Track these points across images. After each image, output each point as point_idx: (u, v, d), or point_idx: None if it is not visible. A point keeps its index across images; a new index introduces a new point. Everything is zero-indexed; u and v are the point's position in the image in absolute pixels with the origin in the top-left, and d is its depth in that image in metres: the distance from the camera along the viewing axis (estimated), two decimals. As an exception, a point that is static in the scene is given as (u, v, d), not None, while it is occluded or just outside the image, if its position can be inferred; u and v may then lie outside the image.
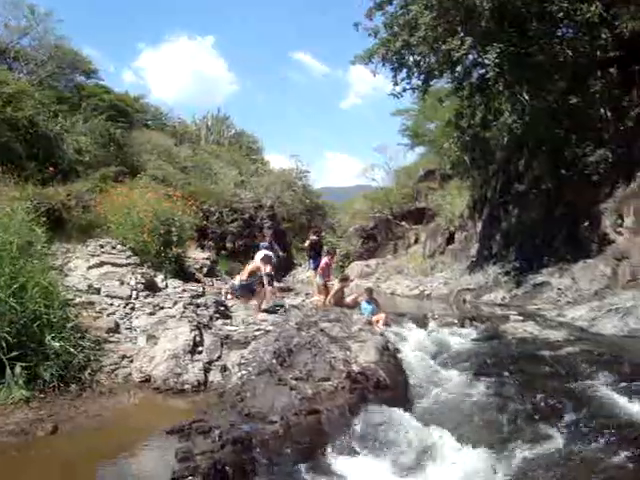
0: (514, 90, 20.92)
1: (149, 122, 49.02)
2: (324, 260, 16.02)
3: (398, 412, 7.52)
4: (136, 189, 18.77)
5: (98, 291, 12.49)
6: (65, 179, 21.02)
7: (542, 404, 7.62)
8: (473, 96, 21.50)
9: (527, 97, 21.11)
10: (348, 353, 9.08)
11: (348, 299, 14.66)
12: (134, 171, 26.52)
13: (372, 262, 37.63)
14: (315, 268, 16.78)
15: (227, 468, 5.53)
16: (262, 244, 17.83)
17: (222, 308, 13.40)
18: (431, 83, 22.46)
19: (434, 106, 32.05)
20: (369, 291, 14.36)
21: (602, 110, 19.89)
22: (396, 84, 21.61)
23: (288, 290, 19.80)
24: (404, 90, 21.80)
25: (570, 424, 6.91)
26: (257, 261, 14.68)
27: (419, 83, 21.99)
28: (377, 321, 12.59)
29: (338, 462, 6.32)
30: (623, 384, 8.28)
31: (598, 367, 9.08)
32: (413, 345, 11.82)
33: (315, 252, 17.72)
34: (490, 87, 20.44)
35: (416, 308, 20.97)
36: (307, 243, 18.51)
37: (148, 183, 22.78)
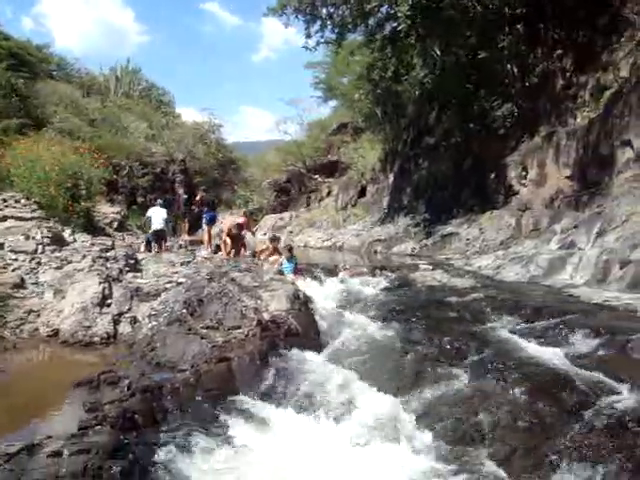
0: (425, 44, 21.12)
1: (54, 73, 46.89)
2: (240, 220, 16.33)
3: (308, 356, 7.64)
4: (41, 142, 18.03)
5: (1, 246, 12.02)
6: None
7: (448, 347, 7.84)
8: (385, 48, 21.54)
9: (438, 52, 21.36)
10: (259, 302, 9.10)
11: (270, 259, 14.69)
12: (39, 124, 25.42)
13: (285, 215, 37.68)
14: (209, 222, 17.20)
15: (136, 416, 5.47)
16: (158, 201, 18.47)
17: (132, 261, 13.19)
18: (345, 36, 22.37)
19: (346, 59, 31.93)
20: (289, 248, 14.35)
21: (509, 66, 20.31)
22: (309, 37, 21.47)
23: (200, 242, 19.59)
24: (318, 44, 21.67)
25: (473, 364, 7.15)
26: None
27: (332, 37, 21.88)
28: (295, 278, 12.56)
29: (249, 406, 6.36)
30: (523, 326, 8.63)
31: (501, 311, 9.41)
32: (324, 294, 11.94)
33: (208, 207, 17.98)
34: (402, 40, 20.53)
35: (328, 259, 21.16)
36: (198, 197, 18.53)
37: (54, 136, 21.89)
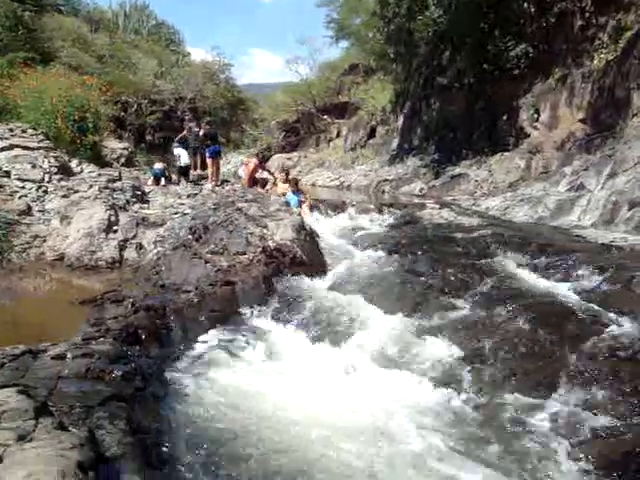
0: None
1: (61, 7, 46.04)
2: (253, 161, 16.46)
3: (314, 283, 7.68)
4: (49, 76, 17.84)
5: (8, 174, 11.99)
6: (-35, 62, 19.70)
7: (452, 278, 7.85)
8: (399, -17, 21.10)
9: (453, -10, 20.89)
10: (265, 231, 9.10)
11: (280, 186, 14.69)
12: (46, 58, 25.03)
13: (294, 155, 37.46)
14: (212, 156, 17.25)
15: (139, 331, 5.53)
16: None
17: (139, 193, 13.17)
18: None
19: (358, -1, 31.38)
20: (294, 182, 14.29)
21: (526, 5, 19.83)
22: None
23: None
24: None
25: (477, 295, 7.17)
26: None
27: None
28: (302, 212, 12.56)
29: (253, 327, 6.43)
30: (529, 261, 8.62)
31: (507, 247, 9.38)
32: (330, 228, 11.96)
33: (212, 140, 17.97)
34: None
35: (336, 197, 21.11)
36: (202, 132, 18.44)
37: (62, 71, 21.60)
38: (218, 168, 18.01)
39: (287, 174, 13.90)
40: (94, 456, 2.67)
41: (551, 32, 18.81)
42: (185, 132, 19.33)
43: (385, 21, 23.46)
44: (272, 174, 15.93)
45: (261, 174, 16.95)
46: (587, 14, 17.87)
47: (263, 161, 15.95)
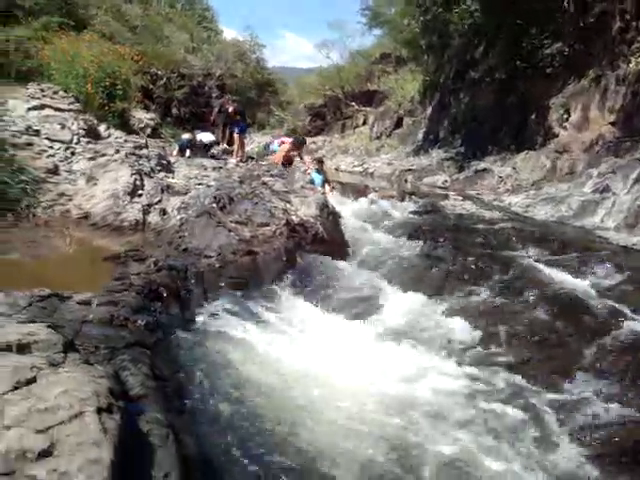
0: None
1: (96, -25, 46.01)
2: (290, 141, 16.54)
3: (334, 260, 7.74)
4: (82, 41, 17.94)
5: (37, 133, 12.09)
6: (1, 24, 19.81)
7: (472, 266, 7.89)
8: (439, -28, 20.98)
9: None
10: (289, 205, 9.15)
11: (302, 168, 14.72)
12: (80, 25, 25.08)
13: (319, 139, 37.42)
14: (241, 132, 17.39)
15: (161, 289, 5.59)
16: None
17: (164, 162, 13.26)
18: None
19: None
20: (319, 161, 14.32)
21: (565, 3, 19.65)
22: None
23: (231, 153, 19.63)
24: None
25: (495, 284, 7.23)
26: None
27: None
28: (325, 191, 12.60)
29: (274, 297, 6.49)
30: (548, 257, 8.64)
31: (527, 242, 9.41)
32: (352, 211, 12.00)
33: (240, 117, 18.12)
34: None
35: (359, 182, 21.11)
36: (231, 109, 18.54)
37: (94, 38, 21.68)
38: (243, 145, 18.12)
39: (320, 163, 13.90)
40: (121, 388, 2.76)
41: (589, 32, 18.62)
42: (215, 111, 19.45)
43: (422, 10, 23.31)
44: (302, 159, 15.93)
45: (293, 156, 16.97)
46: (627, 16, 17.68)
47: (299, 145, 15.93)
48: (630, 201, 11.60)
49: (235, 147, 17.90)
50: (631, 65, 15.99)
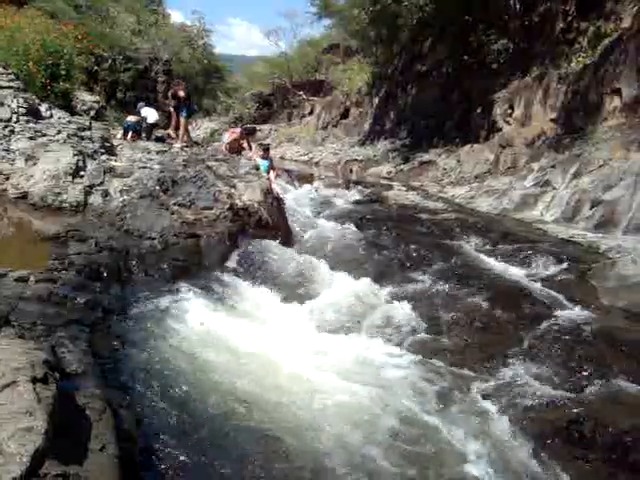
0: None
1: (39, -47, 44.71)
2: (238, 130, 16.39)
3: (278, 245, 7.72)
4: (23, 17, 17.35)
5: (-29, 109, 11.71)
6: None
7: (414, 254, 7.98)
8: (389, -37, 21.04)
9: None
10: (233, 190, 9.07)
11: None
12: (20, 1, 24.34)
13: (266, 127, 37.24)
14: (187, 116, 17.26)
15: (102, 269, 5.50)
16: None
17: (108, 145, 12.96)
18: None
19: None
20: (265, 148, 14.23)
21: (512, 1, 19.96)
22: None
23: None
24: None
25: (437, 271, 7.33)
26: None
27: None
28: (270, 178, 12.51)
29: (215, 279, 6.44)
30: (490, 247, 8.81)
31: (470, 232, 9.56)
32: (297, 198, 11.98)
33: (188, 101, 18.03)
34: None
35: (304, 170, 21.08)
36: (183, 94, 18.32)
37: (36, 14, 21.02)
38: (188, 129, 17.91)
39: (266, 150, 13.83)
40: (57, 362, 2.69)
41: (533, 31, 18.98)
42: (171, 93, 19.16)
43: (371, 1, 23.35)
44: (251, 148, 15.81)
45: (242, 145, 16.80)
46: (569, 18, 18.06)
47: (248, 134, 15.83)
48: (568, 195, 11.88)
49: (180, 131, 17.66)
50: (572, 64, 16.38)
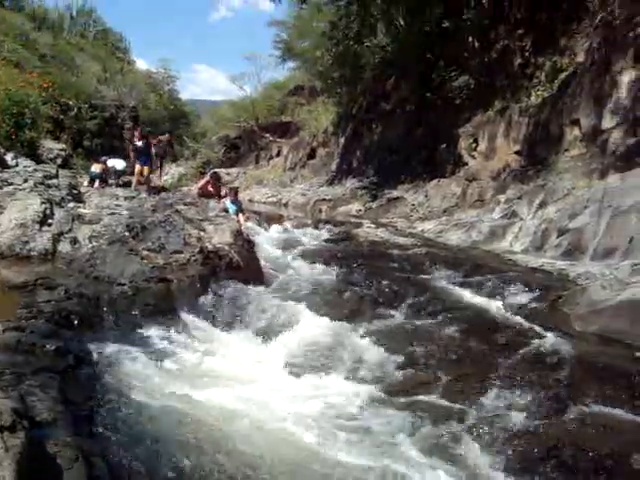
0: (390, 11, 21.15)
1: (4, 1, 44.91)
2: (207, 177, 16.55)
3: (249, 286, 7.69)
4: (-13, 70, 17.41)
5: None
6: None
7: (386, 290, 8.00)
8: (351, 5, 21.41)
9: (402, 22, 21.35)
10: (202, 233, 9.06)
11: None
12: (-16, 51, 24.38)
13: (233, 170, 37.31)
14: (142, 163, 17.38)
15: (72, 316, 5.43)
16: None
17: (75, 192, 12.92)
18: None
19: (310, 20, 31.66)
20: (234, 191, 14.28)
21: (471, 39, 20.42)
22: (276, -13, 21.05)
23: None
24: (282, -4, 21.38)
25: (410, 306, 7.35)
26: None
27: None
28: (239, 220, 12.52)
29: (187, 324, 6.38)
30: (460, 279, 8.83)
31: (441, 265, 9.59)
32: (267, 239, 11.99)
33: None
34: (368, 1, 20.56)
35: (273, 212, 21.10)
36: (138, 143, 18.42)
37: (0, 65, 21.05)
38: (148, 175, 18.03)
39: (236, 193, 13.88)
40: (26, 411, 2.63)
41: (493, 67, 19.40)
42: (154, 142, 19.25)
43: (333, 43, 23.73)
44: (220, 192, 15.92)
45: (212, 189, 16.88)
46: (527, 53, 18.53)
47: (217, 179, 15.99)
48: (535, 225, 12.04)
49: (134, 178, 17.79)
50: (532, 98, 16.75)
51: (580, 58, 15.71)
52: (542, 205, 12.56)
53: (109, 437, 3.46)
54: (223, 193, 15.56)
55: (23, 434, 2.27)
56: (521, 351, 5.72)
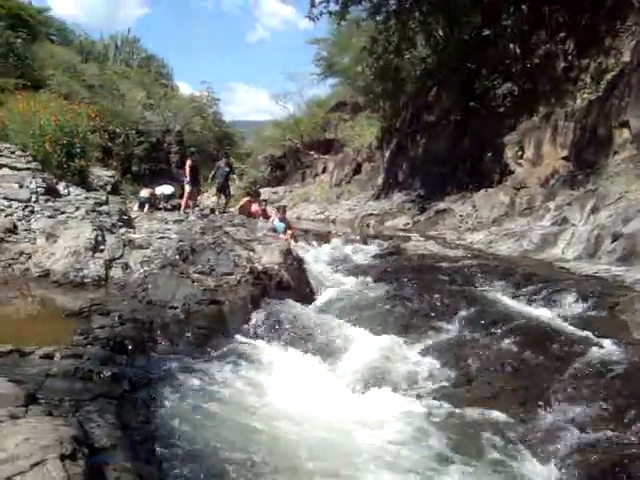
0: (429, 21, 21.11)
1: (53, 36, 46.19)
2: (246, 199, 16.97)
3: (300, 305, 7.71)
4: (38, 101, 17.92)
5: (-6, 193, 11.96)
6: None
7: (438, 303, 7.92)
8: (389, 20, 21.44)
9: (441, 32, 21.30)
10: (252, 254, 9.15)
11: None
12: (36, 85, 25.08)
13: (280, 189, 37.60)
14: (190, 185, 17.64)
15: (126, 342, 5.52)
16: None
17: (126, 217, 13.17)
18: (348, 8, 22.15)
19: (349, 36, 31.83)
20: (282, 209, 14.40)
21: (512, 46, 20.28)
22: (313, 5, 21.15)
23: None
24: (321, 14, 21.42)
25: (463, 319, 7.24)
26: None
27: (337, 8, 21.67)
28: (287, 238, 12.62)
29: (241, 345, 6.42)
30: (513, 289, 8.70)
31: (492, 276, 9.48)
32: (316, 257, 12.01)
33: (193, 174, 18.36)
34: (407, 14, 20.54)
35: (321, 229, 21.16)
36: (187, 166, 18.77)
37: (52, 97, 21.65)
38: (194, 197, 18.29)
39: (284, 211, 13.99)
40: (86, 437, 2.67)
41: (535, 72, 19.20)
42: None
43: (374, 57, 23.77)
44: (264, 208, 16.07)
45: (257, 208, 17.08)
46: (570, 56, 18.31)
47: (256, 195, 16.26)
48: (588, 231, 11.81)
49: (183, 200, 18.02)
50: (577, 101, 16.51)
51: (626, 57, 15.45)
52: (594, 210, 12.33)
53: (167, 460, 3.49)
54: (268, 211, 15.72)
55: (83, 462, 2.31)
56: (579, 362, 5.57)
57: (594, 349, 5.85)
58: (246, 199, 15.96)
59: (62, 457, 2.25)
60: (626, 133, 13.72)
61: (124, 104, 37.29)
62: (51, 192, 13.11)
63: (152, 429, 3.81)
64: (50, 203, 12.34)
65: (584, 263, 10.83)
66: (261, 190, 37.76)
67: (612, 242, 10.81)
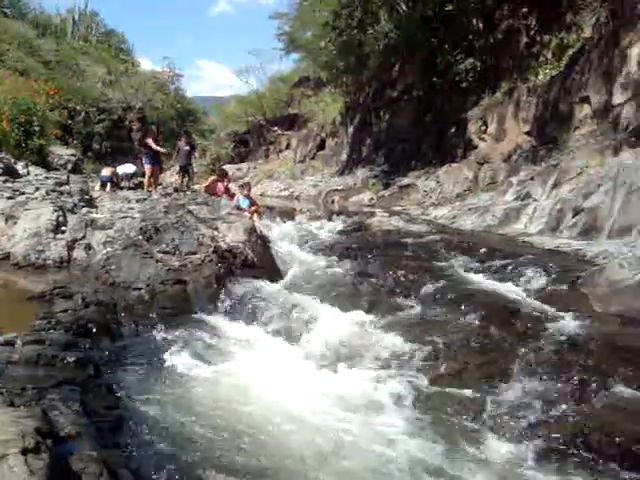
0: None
1: (6, 9, 44.99)
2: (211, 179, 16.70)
3: (266, 283, 7.69)
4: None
5: (-52, 175, 11.68)
6: None
7: (402, 279, 7.95)
8: (353, -5, 21.35)
9: (404, 7, 21.18)
10: (216, 232, 9.06)
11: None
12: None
13: (243, 166, 37.33)
14: (151, 164, 17.18)
15: (90, 325, 5.44)
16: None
17: (87, 197, 12.96)
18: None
19: (312, 10, 31.52)
20: (247, 186, 14.27)
21: (475, 21, 20.27)
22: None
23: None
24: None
25: (428, 295, 7.29)
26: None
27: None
28: (252, 214, 12.51)
29: (206, 325, 6.39)
30: (477, 265, 8.76)
31: (456, 252, 9.54)
32: (280, 234, 11.95)
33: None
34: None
35: (286, 206, 21.08)
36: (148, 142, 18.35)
37: (7, 74, 21.11)
38: (155, 176, 17.98)
39: (248, 189, 13.87)
40: (49, 428, 2.62)
41: (498, 48, 19.27)
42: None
43: (337, 32, 23.58)
44: (227, 187, 15.92)
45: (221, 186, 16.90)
46: (532, 32, 18.37)
47: (223, 175, 16.08)
48: (550, 206, 11.95)
49: (145, 179, 17.68)
50: (539, 77, 16.61)
51: (587, 33, 15.58)
52: (556, 185, 12.47)
53: (134, 446, 3.46)
54: (232, 190, 15.59)
55: (47, 455, 2.26)
56: (542, 336, 5.66)
57: (556, 323, 5.97)
58: (212, 178, 15.78)
59: (24, 451, 2.20)
60: (587, 108, 13.88)
61: (84, 81, 36.55)
62: (9, 172, 12.85)
63: (117, 415, 3.77)
64: (9, 184, 12.08)
65: (546, 237, 10.98)
66: (225, 167, 37.59)
67: (573, 216, 10.96)
